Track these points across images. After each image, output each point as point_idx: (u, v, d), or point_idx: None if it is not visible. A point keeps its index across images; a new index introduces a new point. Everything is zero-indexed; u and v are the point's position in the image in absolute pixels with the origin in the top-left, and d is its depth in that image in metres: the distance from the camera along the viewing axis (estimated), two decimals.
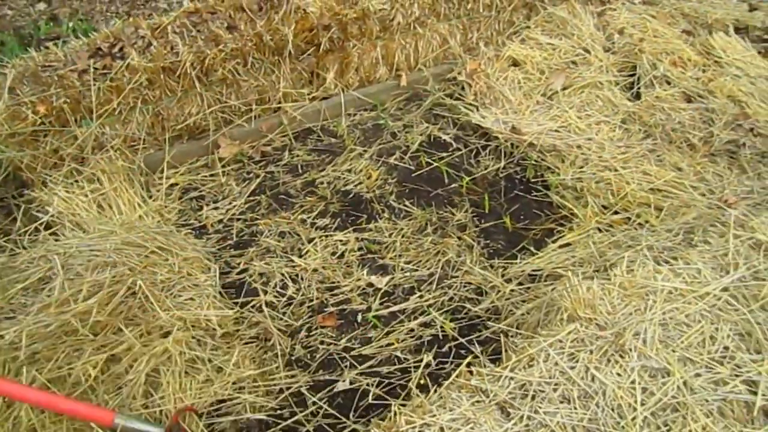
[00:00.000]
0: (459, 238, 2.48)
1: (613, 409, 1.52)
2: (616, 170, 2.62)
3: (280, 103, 2.97)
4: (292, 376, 2.08)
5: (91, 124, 2.60)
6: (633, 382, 1.56)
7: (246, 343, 2.16)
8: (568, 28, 3.33)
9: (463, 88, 3.18)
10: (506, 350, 1.79)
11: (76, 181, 2.55)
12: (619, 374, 1.59)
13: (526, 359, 1.66)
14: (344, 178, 2.76)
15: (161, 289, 2.11)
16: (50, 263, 2.09)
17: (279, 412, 2.00)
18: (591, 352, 1.64)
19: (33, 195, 2.49)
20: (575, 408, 1.53)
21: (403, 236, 2.49)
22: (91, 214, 2.38)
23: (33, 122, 2.52)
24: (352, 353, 2.14)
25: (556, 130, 2.86)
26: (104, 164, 2.55)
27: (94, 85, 2.55)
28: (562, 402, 1.55)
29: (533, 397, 1.57)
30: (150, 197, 2.63)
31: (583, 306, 1.77)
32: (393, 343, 2.15)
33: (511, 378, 1.62)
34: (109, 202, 2.45)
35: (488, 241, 2.49)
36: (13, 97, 2.49)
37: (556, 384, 1.58)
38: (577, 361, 1.62)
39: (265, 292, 2.32)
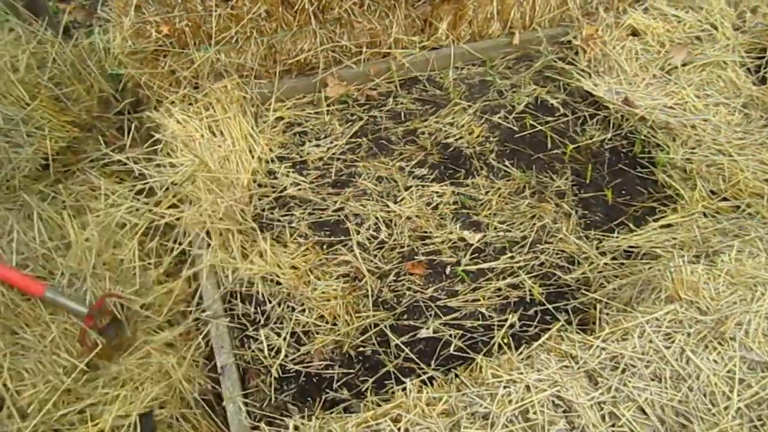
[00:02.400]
0: (557, 204, 2.45)
1: (705, 395, 1.50)
2: (730, 155, 2.51)
3: (390, 48, 2.96)
4: (379, 317, 2.13)
5: (209, 50, 2.68)
6: (730, 371, 1.53)
7: (336, 279, 2.22)
8: (696, 0, 3.16)
9: (576, 53, 3.08)
10: (599, 321, 1.78)
11: (191, 104, 2.64)
12: (716, 361, 1.55)
13: (620, 332, 1.64)
14: (446, 130, 2.75)
15: None
16: None
17: (361, 348, 2.07)
18: (689, 335, 1.61)
19: (151, 115, 2.59)
20: (666, 388, 1.52)
21: (499, 196, 2.48)
22: (206, 138, 2.46)
23: (155, 41, 2.61)
24: (438, 303, 2.17)
25: (670, 107, 2.75)
26: (220, 92, 2.63)
27: (216, 11, 2.61)
28: (653, 380, 1.54)
29: (623, 371, 1.56)
30: (257, 128, 2.70)
31: (685, 288, 1.73)
32: (479, 300, 2.17)
33: (603, 348, 1.61)
34: (221, 129, 2.53)
35: (586, 212, 2.44)
36: (139, 15, 2.58)
37: (648, 361, 1.57)
38: (672, 342, 1.60)
39: (358, 233, 2.37)
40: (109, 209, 2.29)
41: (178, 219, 2.28)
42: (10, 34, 2.35)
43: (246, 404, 1.92)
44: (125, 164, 2.44)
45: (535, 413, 1.47)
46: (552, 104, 2.89)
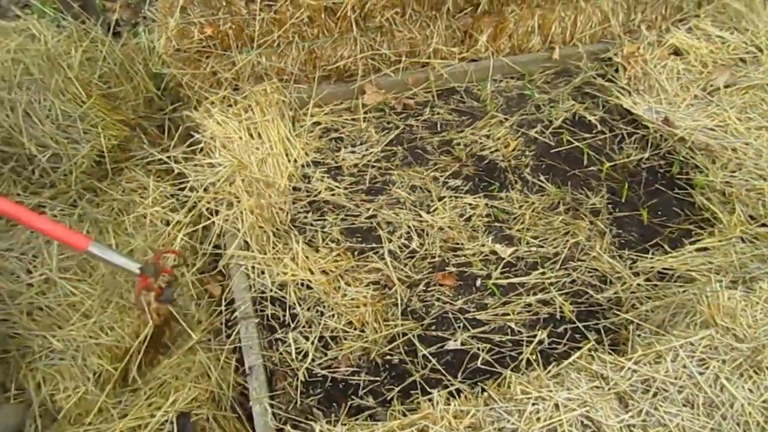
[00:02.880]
0: (591, 222, 2.43)
1: (739, 425, 1.47)
2: None
3: (429, 58, 2.97)
4: (407, 327, 2.13)
5: (250, 53, 2.72)
6: (766, 401, 1.50)
7: (366, 286, 2.23)
8: (742, 22, 3.11)
9: (617, 71, 3.06)
10: (632, 343, 1.76)
11: (230, 106, 2.68)
12: (751, 390, 1.53)
13: (652, 355, 1.62)
14: (481, 143, 2.75)
15: None
16: None
17: (388, 357, 2.07)
18: (724, 362, 1.58)
19: (190, 115, 2.63)
20: (698, 414, 1.49)
21: (533, 210, 2.47)
22: (244, 140, 2.49)
23: (199, 42, 2.65)
24: (467, 315, 2.17)
25: (711, 129, 2.71)
26: (259, 95, 2.66)
27: (259, 15, 2.64)
28: (685, 405, 1.52)
29: (655, 395, 1.54)
30: (294, 132, 2.73)
31: (721, 314, 1.70)
32: (509, 314, 2.16)
33: (634, 371, 1.59)
34: (260, 131, 2.56)
35: (621, 231, 2.42)
36: (184, 16, 2.62)
37: (681, 386, 1.54)
38: (707, 368, 1.57)
39: (390, 241, 2.37)
40: (155, 207, 2.34)
41: (215, 218, 2.31)
42: (63, 32, 2.40)
43: (272, 406, 1.93)
44: (165, 163, 2.49)
45: None
46: (590, 121, 2.87)
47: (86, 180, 2.39)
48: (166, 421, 1.90)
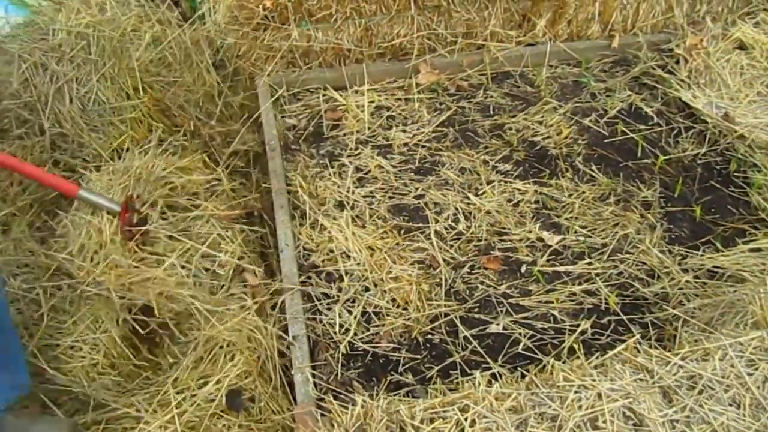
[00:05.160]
0: (641, 215, 2.39)
1: None
2: None
3: (485, 40, 2.95)
4: (450, 308, 2.14)
5: (308, 26, 2.73)
6: None
7: (411, 264, 2.24)
8: None
9: (677, 62, 2.99)
10: (679, 339, 1.74)
11: None
12: None
13: (700, 352, 1.61)
14: (533, 129, 2.73)
15: None
16: None
17: (429, 336, 2.09)
18: None
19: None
20: (744, 415, 1.48)
21: (583, 200, 2.44)
22: None
23: (258, 14, 2.68)
24: (510, 300, 2.16)
25: None
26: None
27: None
28: (731, 405, 1.50)
29: (701, 392, 1.52)
30: None
31: None
32: (552, 302, 2.15)
33: (681, 366, 1.58)
34: None
35: (672, 226, 2.38)
36: None
37: (728, 386, 1.53)
38: (756, 369, 1.55)
39: (436, 221, 2.38)
40: None
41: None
42: (136, 10, 2.41)
43: (314, 376, 1.97)
44: None
45: (604, 422, 1.46)
46: (646, 112, 2.82)
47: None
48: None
